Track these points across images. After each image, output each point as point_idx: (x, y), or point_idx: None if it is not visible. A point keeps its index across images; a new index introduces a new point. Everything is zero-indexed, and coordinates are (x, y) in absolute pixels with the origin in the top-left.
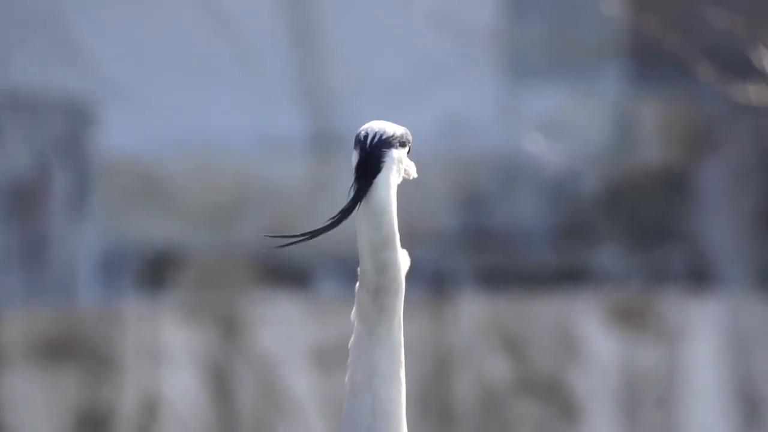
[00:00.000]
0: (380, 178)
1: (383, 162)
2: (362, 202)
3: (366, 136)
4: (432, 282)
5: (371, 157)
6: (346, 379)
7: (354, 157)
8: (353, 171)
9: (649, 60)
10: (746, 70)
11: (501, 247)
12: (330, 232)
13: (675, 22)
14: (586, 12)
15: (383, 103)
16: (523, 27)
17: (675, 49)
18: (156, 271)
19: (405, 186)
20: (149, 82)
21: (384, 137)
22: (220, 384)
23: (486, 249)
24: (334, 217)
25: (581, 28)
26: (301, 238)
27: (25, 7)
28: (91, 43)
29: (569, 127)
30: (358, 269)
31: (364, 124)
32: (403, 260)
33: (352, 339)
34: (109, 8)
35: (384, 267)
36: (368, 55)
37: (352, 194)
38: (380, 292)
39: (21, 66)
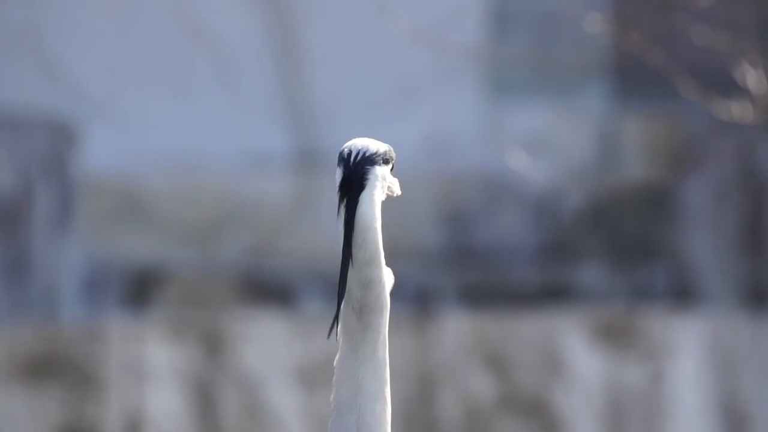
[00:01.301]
0: (364, 196)
1: (367, 179)
2: (340, 219)
3: (350, 154)
4: (415, 299)
5: (355, 174)
6: (331, 398)
7: (337, 174)
8: (337, 188)
9: (632, 77)
10: (729, 87)
11: (484, 264)
12: (313, 249)
13: (658, 39)
14: (569, 29)
15: (365, 120)
16: (505, 44)
17: (658, 66)
18: (139, 288)
19: (387, 203)
20: (131, 100)
21: (367, 154)
22: (204, 401)
23: (469, 266)
24: (343, 246)
25: (564, 44)
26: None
27: (6, 25)
28: (73, 60)
29: (552, 144)
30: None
31: (346, 140)
32: (388, 278)
33: (337, 357)
34: (90, 26)
35: (368, 284)
36: (351, 71)
37: (342, 215)
38: (365, 310)
39: (2, 83)
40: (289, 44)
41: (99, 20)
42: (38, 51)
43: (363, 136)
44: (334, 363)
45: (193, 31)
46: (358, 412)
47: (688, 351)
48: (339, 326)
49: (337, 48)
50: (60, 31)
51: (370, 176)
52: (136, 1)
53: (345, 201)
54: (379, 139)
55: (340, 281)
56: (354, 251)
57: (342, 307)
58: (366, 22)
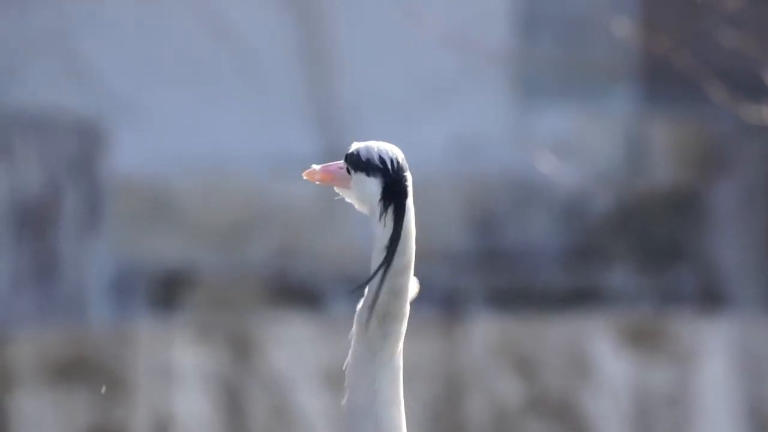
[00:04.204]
0: (409, 204)
1: (407, 186)
2: (386, 228)
3: (389, 161)
4: (443, 302)
5: (397, 181)
6: (344, 401)
7: (373, 183)
8: (378, 196)
9: (660, 80)
10: (757, 90)
11: (512, 267)
12: (340, 252)
13: (685, 43)
14: (597, 32)
15: (393, 122)
16: (534, 47)
17: (686, 70)
18: (167, 290)
19: (415, 206)
20: (159, 102)
21: (402, 161)
22: (232, 404)
23: (497, 269)
24: (388, 251)
25: (592, 48)
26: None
27: (34, 28)
28: (102, 63)
29: (580, 147)
30: (366, 292)
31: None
32: (413, 286)
33: (348, 361)
34: (119, 28)
35: (399, 292)
36: (378, 73)
37: (390, 221)
38: (388, 317)
39: (31, 86)
40: (316, 46)
41: (127, 23)
42: (66, 53)
43: (391, 138)
44: (345, 367)
45: (221, 34)
46: (375, 418)
47: (715, 354)
48: (355, 330)
49: (365, 50)
50: (88, 33)
51: (409, 183)
52: (164, 4)
53: (391, 209)
54: (407, 142)
55: (378, 287)
56: (395, 258)
57: (361, 312)
58: (394, 24)
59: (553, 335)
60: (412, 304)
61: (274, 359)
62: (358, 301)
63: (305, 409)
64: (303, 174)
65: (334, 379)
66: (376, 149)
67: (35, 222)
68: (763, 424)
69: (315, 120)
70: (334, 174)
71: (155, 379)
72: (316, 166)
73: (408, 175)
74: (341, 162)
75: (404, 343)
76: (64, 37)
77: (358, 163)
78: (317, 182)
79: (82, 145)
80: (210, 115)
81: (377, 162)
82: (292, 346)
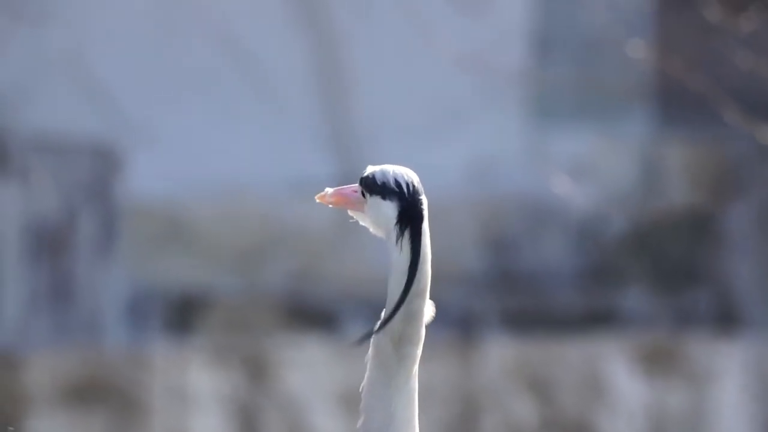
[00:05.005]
0: (425, 228)
1: (423, 209)
2: (403, 252)
3: (404, 185)
4: (459, 324)
5: (412, 205)
6: (359, 425)
7: (389, 207)
8: (393, 220)
9: (675, 102)
10: None
11: (527, 288)
12: (356, 274)
13: (700, 64)
14: (613, 54)
15: (409, 144)
16: (549, 69)
17: (701, 91)
18: (183, 313)
19: (431, 228)
20: (175, 125)
21: (417, 184)
22: (247, 426)
23: (512, 291)
24: (407, 280)
25: (607, 70)
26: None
27: (50, 50)
28: (117, 86)
29: (596, 168)
30: (382, 315)
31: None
32: (428, 310)
33: (365, 384)
34: (134, 52)
35: (414, 315)
36: (394, 96)
37: (407, 245)
38: (403, 341)
39: (47, 109)
40: (332, 69)
41: (143, 46)
42: (82, 77)
43: (407, 161)
44: (361, 390)
45: (237, 57)
46: None
47: (730, 376)
48: (371, 354)
49: (381, 73)
50: (104, 56)
51: (425, 207)
52: (180, 27)
53: (407, 232)
54: (423, 165)
55: (394, 310)
56: (404, 279)
57: (378, 336)
58: (410, 46)
59: (568, 356)
60: (427, 326)
61: (290, 382)
62: (375, 326)
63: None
64: (316, 197)
65: (349, 402)
66: (391, 173)
67: (51, 245)
68: None
69: (331, 143)
70: (347, 197)
71: (171, 401)
72: (329, 189)
73: (423, 198)
74: (355, 185)
75: (420, 364)
76: (80, 60)
77: (373, 187)
78: (330, 205)
79: (98, 168)
80: (226, 137)
81: (393, 185)
82: (308, 368)
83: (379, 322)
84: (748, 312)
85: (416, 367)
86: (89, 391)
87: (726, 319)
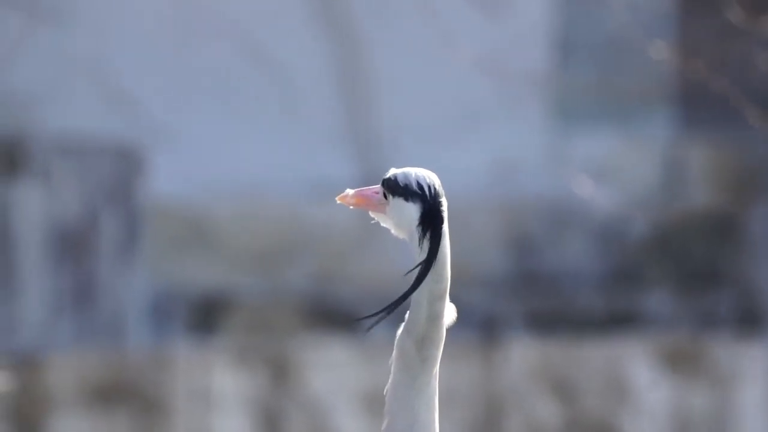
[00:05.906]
0: (445, 230)
1: (444, 211)
2: (423, 252)
3: (426, 187)
4: (482, 326)
5: (434, 207)
6: (383, 427)
7: (412, 208)
8: (416, 221)
9: (697, 104)
10: None
11: (550, 291)
12: (378, 275)
13: (722, 66)
14: (634, 56)
15: (430, 147)
16: (570, 71)
17: (723, 93)
18: (205, 315)
19: (453, 230)
20: (197, 127)
21: (438, 187)
22: (270, 428)
23: (535, 293)
24: (419, 274)
25: (629, 72)
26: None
27: (73, 54)
28: (139, 88)
29: (617, 171)
30: (406, 317)
31: (411, 167)
32: (449, 312)
33: (389, 386)
34: (155, 54)
35: (436, 317)
36: (415, 98)
37: (425, 248)
38: (426, 342)
39: (69, 111)
40: (353, 71)
41: (164, 48)
42: (105, 79)
43: (428, 163)
44: (385, 392)
45: (258, 59)
46: None
47: (754, 378)
48: (395, 356)
49: (402, 75)
50: (126, 59)
51: (445, 209)
52: (201, 30)
53: (429, 234)
54: (444, 167)
55: (403, 297)
56: (433, 284)
57: (401, 338)
58: (430, 49)
59: (591, 358)
60: (450, 329)
61: (313, 383)
62: (379, 314)
63: None
64: (337, 198)
65: (372, 403)
66: (413, 175)
67: (74, 247)
68: None
69: (352, 145)
70: (368, 198)
71: (194, 403)
72: (350, 191)
73: (444, 200)
74: (376, 186)
75: (443, 366)
76: (103, 63)
77: (396, 189)
78: (351, 206)
79: (121, 170)
80: (248, 139)
81: (415, 188)
82: (331, 370)
83: (383, 309)
84: None
85: (437, 368)
86: (112, 393)
87: (749, 320)
